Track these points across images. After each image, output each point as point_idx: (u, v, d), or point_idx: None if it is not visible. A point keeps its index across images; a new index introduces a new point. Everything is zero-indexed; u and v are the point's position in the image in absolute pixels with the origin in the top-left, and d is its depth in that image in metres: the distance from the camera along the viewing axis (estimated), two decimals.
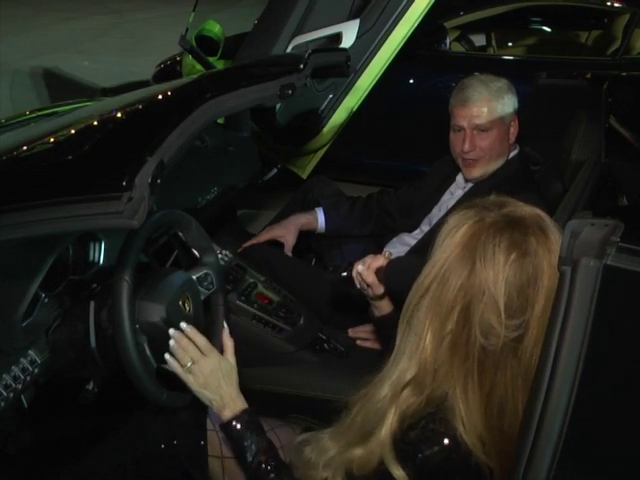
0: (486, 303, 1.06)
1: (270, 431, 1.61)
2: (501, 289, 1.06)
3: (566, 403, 0.94)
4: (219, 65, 2.90)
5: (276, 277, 2.19)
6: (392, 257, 1.59)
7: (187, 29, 2.86)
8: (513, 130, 2.15)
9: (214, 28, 2.91)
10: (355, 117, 2.78)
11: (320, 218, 2.45)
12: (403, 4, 2.46)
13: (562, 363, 0.94)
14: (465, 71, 3.87)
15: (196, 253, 1.68)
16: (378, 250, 1.78)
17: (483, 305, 1.07)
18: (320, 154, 2.88)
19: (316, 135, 2.78)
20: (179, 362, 1.36)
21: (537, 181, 2.31)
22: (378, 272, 1.55)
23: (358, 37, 2.52)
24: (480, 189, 2.12)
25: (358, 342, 2.06)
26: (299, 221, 2.43)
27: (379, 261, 1.56)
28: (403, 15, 2.47)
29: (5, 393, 1.34)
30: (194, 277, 1.61)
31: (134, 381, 1.39)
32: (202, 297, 1.61)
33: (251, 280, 2.09)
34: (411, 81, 3.97)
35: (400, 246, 2.28)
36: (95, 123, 1.53)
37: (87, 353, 1.46)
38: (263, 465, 1.30)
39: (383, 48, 2.54)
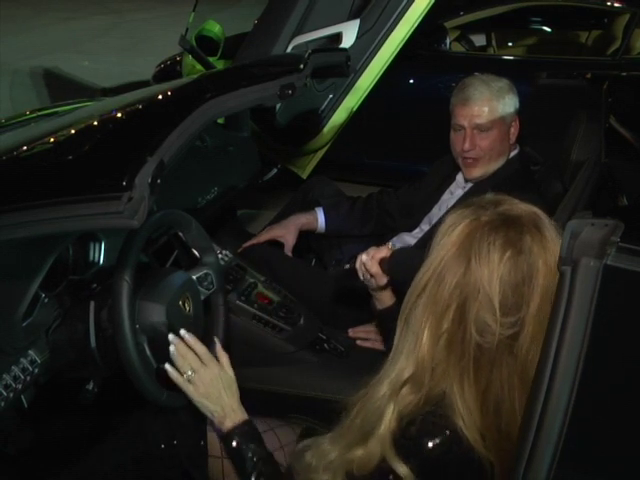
0: (481, 301, 1.07)
1: (270, 431, 1.62)
2: (496, 287, 1.06)
3: (566, 403, 0.94)
4: (219, 65, 2.90)
5: (276, 277, 2.19)
6: (395, 248, 1.60)
7: (187, 29, 2.85)
8: (514, 130, 2.15)
9: (214, 28, 2.91)
10: (355, 117, 2.78)
11: (320, 218, 2.45)
12: (403, 4, 2.46)
13: (562, 363, 0.94)
14: (465, 71, 3.87)
15: (196, 253, 1.68)
16: None
17: (478, 303, 1.07)
18: (320, 154, 2.88)
19: (316, 135, 2.78)
20: (179, 371, 1.36)
21: (537, 181, 2.31)
22: (381, 263, 1.57)
23: (358, 37, 2.53)
24: (480, 188, 2.12)
25: (358, 342, 2.06)
26: (299, 221, 2.43)
27: (382, 252, 1.58)
28: (403, 15, 2.47)
29: (5, 393, 1.34)
30: (194, 277, 1.61)
31: (134, 381, 1.39)
32: (202, 297, 1.62)
33: (251, 280, 2.09)
34: (411, 81, 3.97)
35: (400, 245, 2.27)
36: (95, 123, 1.53)
37: (87, 353, 1.46)
38: (263, 476, 1.31)
39: (383, 48, 2.54)
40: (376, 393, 1.16)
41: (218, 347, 1.47)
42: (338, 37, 2.55)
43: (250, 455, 1.32)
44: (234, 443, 1.34)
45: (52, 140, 1.44)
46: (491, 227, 1.08)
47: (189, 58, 3.05)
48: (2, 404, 1.33)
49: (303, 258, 2.59)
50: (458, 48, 4.31)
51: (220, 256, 2.04)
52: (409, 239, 2.29)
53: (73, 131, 1.49)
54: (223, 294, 1.72)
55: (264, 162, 2.82)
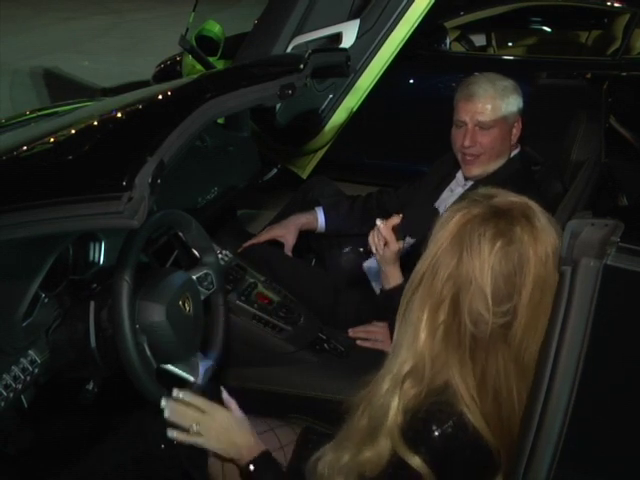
0: (474, 292, 1.09)
1: (270, 431, 1.62)
2: (487, 277, 1.08)
3: (566, 403, 0.94)
4: (219, 65, 2.90)
5: (276, 277, 2.19)
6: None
7: (187, 29, 2.85)
8: (515, 131, 2.14)
9: (214, 28, 2.91)
10: (355, 117, 2.77)
11: (320, 218, 2.45)
12: (403, 4, 2.46)
13: (562, 363, 0.94)
14: (465, 71, 3.87)
15: (196, 253, 1.68)
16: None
17: (471, 294, 1.09)
18: (320, 154, 2.88)
19: (316, 135, 2.78)
20: (183, 429, 1.37)
21: (537, 181, 2.31)
22: (394, 230, 1.69)
23: (358, 37, 2.52)
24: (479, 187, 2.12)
25: (358, 342, 2.06)
26: (299, 221, 2.43)
27: (395, 219, 1.71)
28: (403, 15, 2.47)
29: (5, 393, 1.34)
30: (194, 277, 1.61)
31: (134, 381, 1.39)
32: (202, 297, 1.62)
33: (251, 280, 2.09)
34: (411, 81, 3.97)
35: None
36: (95, 123, 1.53)
37: (87, 353, 1.46)
38: None
39: (383, 48, 2.54)
40: (379, 390, 1.17)
41: (225, 395, 1.48)
42: (338, 37, 2.55)
43: None
44: (250, 473, 1.36)
45: (52, 140, 1.44)
46: (482, 219, 1.10)
47: (189, 58, 3.05)
48: (2, 404, 1.33)
49: (303, 258, 2.59)
50: (458, 48, 4.31)
51: (220, 256, 2.04)
52: (409, 238, 2.28)
53: (73, 131, 1.50)
54: (223, 294, 1.72)
55: (264, 162, 2.82)
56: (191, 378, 1.53)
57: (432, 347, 1.12)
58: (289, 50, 2.59)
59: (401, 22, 2.48)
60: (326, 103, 2.69)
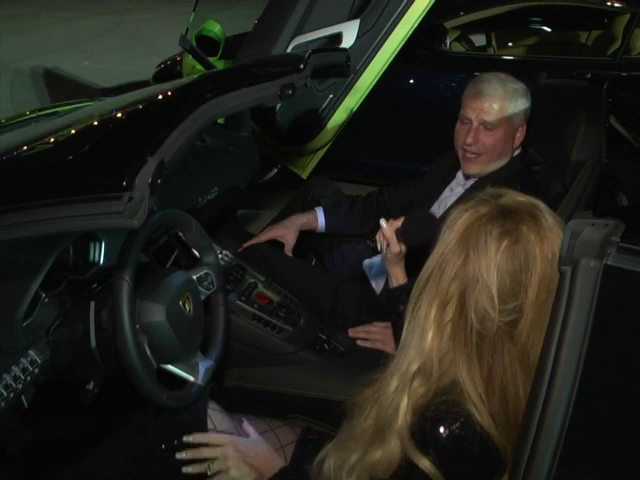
0: (480, 290, 1.09)
1: (270, 431, 1.62)
2: (493, 276, 1.08)
3: (566, 403, 0.94)
4: (219, 65, 2.90)
5: (276, 277, 2.19)
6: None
7: (187, 29, 2.85)
8: (519, 135, 2.14)
9: (214, 28, 2.91)
10: (355, 117, 2.78)
11: (320, 217, 2.45)
12: (403, 4, 2.46)
13: (562, 363, 0.94)
14: (465, 71, 3.90)
15: (196, 253, 1.68)
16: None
17: (477, 292, 1.10)
18: (320, 154, 2.88)
19: (316, 135, 2.78)
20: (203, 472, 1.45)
21: (538, 181, 2.31)
22: (398, 231, 1.71)
23: (358, 37, 2.53)
24: (480, 187, 2.12)
25: (358, 342, 2.06)
26: (299, 221, 2.43)
27: (399, 222, 1.72)
28: (403, 15, 2.47)
29: (5, 393, 1.34)
30: (194, 277, 1.61)
31: (134, 381, 1.39)
32: (202, 297, 1.62)
33: (251, 280, 2.09)
34: (411, 81, 3.97)
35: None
36: (95, 123, 1.53)
37: (87, 353, 1.46)
38: None
39: (383, 48, 2.54)
40: (388, 389, 1.18)
41: (245, 423, 1.57)
42: (338, 37, 2.55)
43: None
44: None
45: (52, 140, 1.44)
46: (489, 218, 1.11)
47: (189, 58, 3.05)
48: (2, 404, 1.33)
49: (303, 258, 2.59)
50: (458, 48, 4.30)
51: (220, 256, 2.04)
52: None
53: (73, 131, 1.50)
54: (223, 294, 1.72)
55: (264, 162, 2.82)
56: (191, 378, 1.53)
57: (440, 346, 1.13)
58: (289, 50, 2.59)
59: (401, 22, 2.48)
60: (326, 103, 2.69)
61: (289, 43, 2.60)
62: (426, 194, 2.35)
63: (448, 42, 4.00)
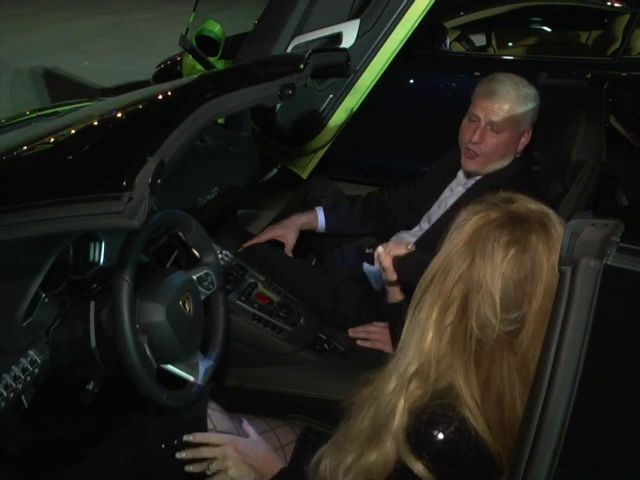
0: (483, 296, 1.08)
1: (270, 431, 1.62)
2: (498, 283, 1.07)
3: (566, 403, 0.94)
4: (219, 65, 2.90)
5: (276, 277, 2.19)
6: (413, 250, 1.65)
7: (187, 29, 2.85)
8: (524, 140, 2.14)
9: (214, 28, 2.91)
10: (355, 117, 2.78)
11: (320, 217, 2.45)
12: (403, 4, 2.46)
13: (562, 363, 0.94)
14: (465, 71, 3.90)
15: (196, 253, 1.68)
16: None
17: (480, 298, 1.08)
18: (320, 154, 2.89)
19: (316, 135, 2.78)
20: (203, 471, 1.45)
21: (537, 181, 2.31)
22: (395, 260, 1.65)
23: (358, 37, 2.53)
24: (481, 187, 2.12)
25: (358, 342, 2.06)
26: (300, 221, 2.43)
27: (399, 249, 1.67)
28: (403, 15, 2.47)
29: (5, 393, 1.34)
30: (194, 277, 1.61)
31: (134, 381, 1.39)
32: (202, 297, 1.62)
33: (251, 280, 2.09)
34: (411, 81, 3.97)
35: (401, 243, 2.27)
36: (95, 123, 1.53)
37: (87, 353, 1.46)
38: None
39: (383, 48, 2.54)
40: (386, 389, 1.17)
41: (245, 423, 1.57)
42: (338, 37, 2.55)
43: None
44: None
45: (52, 140, 1.44)
46: (498, 224, 1.09)
47: (189, 58, 3.05)
48: (2, 404, 1.33)
49: (303, 258, 2.59)
50: (458, 48, 4.30)
51: (220, 256, 2.04)
52: (408, 238, 2.29)
53: (73, 131, 1.50)
54: (223, 294, 1.72)
55: (264, 162, 2.82)
56: (191, 378, 1.53)
57: (438, 348, 1.12)
58: (289, 50, 2.59)
59: (401, 22, 2.48)
60: (326, 103, 2.69)
61: (289, 43, 2.60)
62: (426, 194, 2.35)
63: (448, 42, 4.00)
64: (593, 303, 0.93)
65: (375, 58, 2.56)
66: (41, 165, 1.32)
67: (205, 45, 2.85)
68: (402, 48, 2.56)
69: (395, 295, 1.76)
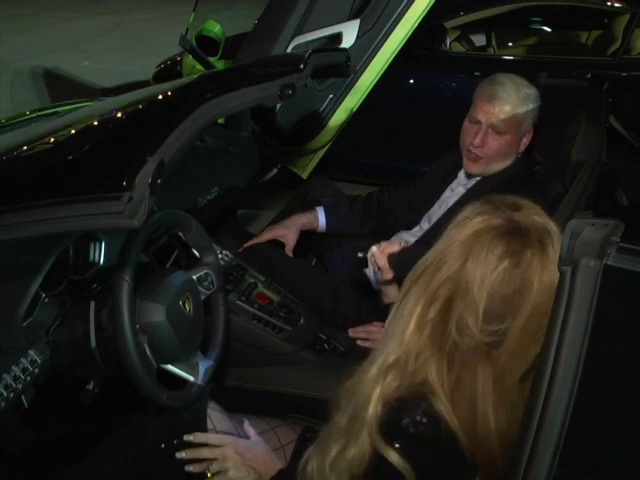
0: (468, 302, 1.07)
1: (270, 431, 1.62)
2: (484, 293, 1.06)
3: (566, 403, 0.94)
4: (219, 65, 2.90)
5: (276, 277, 2.19)
6: (407, 245, 1.64)
7: (187, 29, 2.85)
8: (526, 140, 2.14)
9: (214, 28, 2.91)
10: (355, 117, 2.78)
11: (321, 217, 2.46)
12: (403, 4, 2.46)
13: (562, 363, 0.94)
14: (465, 71, 3.90)
15: (196, 253, 1.68)
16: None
17: (464, 305, 1.07)
18: (320, 154, 2.88)
19: (316, 135, 2.78)
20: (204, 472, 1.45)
21: (539, 182, 2.31)
22: (390, 258, 1.63)
23: (358, 37, 2.53)
24: (482, 187, 2.12)
25: (358, 342, 2.06)
26: (300, 220, 2.43)
27: (393, 247, 1.66)
28: (403, 15, 2.47)
29: (5, 393, 1.34)
30: (194, 277, 1.61)
31: (134, 381, 1.39)
32: (202, 297, 1.62)
33: (251, 280, 2.09)
34: (411, 81, 3.97)
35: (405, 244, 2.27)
36: (95, 123, 1.53)
37: (87, 353, 1.46)
38: None
39: (383, 48, 2.54)
40: (365, 376, 1.17)
41: (245, 424, 1.57)
42: (338, 37, 2.55)
43: None
44: None
45: (52, 140, 1.44)
46: (497, 233, 1.07)
47: (189, 58, 3.05)
48: (2, 404, 1.33)
49: (304, 258, 2.59)
50: (458, 48, 4.30)
51: (220, 256, 2.04)
52: (409, 237, 2.29)
53: (73, 131, 1.50)
54: (223, 294, 1.72)
55: (264, 162, 2.82)
56: (191, 378, 1.53)
57: (418, 342, 1.11)
58: (289, 50, 2.59)
59: (401, 22, 2.48)
60: (326, 103, 2.69)
61: (289, 43, 2.60)
62: (427, 194, 2.35)
63: (448, 42, 4.00)
64: (593, 303, 0.93)
65: (375, 58, 2.56)
66: (41, 165, 1.32)
67: (205, 45, 2.85)
68: (402, 48, 2.56)
69: (391, 296, 1.74)
